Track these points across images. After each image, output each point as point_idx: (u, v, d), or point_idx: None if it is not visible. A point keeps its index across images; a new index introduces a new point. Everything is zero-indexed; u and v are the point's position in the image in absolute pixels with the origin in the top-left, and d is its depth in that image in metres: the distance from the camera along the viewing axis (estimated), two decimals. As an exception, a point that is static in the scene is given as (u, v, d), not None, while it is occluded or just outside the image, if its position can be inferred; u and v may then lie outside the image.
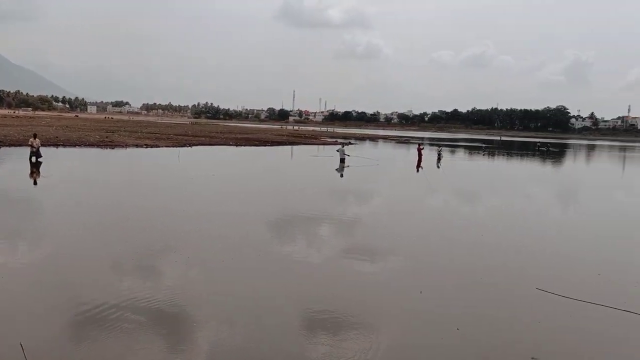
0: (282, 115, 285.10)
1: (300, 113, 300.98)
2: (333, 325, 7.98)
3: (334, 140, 72.65)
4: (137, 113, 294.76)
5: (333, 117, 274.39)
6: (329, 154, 43.05)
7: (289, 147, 57.99)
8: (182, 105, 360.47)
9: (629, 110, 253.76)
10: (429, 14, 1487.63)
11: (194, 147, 45.84)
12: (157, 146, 43.38)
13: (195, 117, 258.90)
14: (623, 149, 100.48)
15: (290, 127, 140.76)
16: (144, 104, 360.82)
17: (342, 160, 36.22)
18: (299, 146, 59.86)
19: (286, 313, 8.49)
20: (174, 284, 9.46)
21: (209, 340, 7.42)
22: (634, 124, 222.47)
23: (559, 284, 10.07)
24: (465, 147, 78.08)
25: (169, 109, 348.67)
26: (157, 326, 7.68)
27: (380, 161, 40.11)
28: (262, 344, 7.35)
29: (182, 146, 45.16)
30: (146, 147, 42.11)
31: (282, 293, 9.41)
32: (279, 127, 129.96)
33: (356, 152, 45.00)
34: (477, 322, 8.45)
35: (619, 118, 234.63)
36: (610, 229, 17.51)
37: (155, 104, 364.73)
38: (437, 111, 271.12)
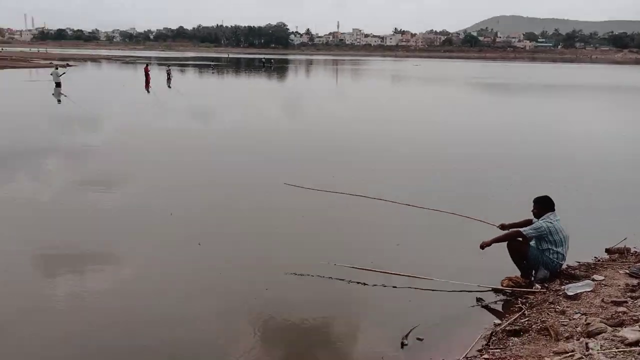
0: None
1: (0, 31, 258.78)
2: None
3: (49, 62, 64.82)
4: None
5: (45, 37, 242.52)
6: (49, 78, 38.52)
7: (-8, 71, 49.87)
8: None
9: (338, 26, 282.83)
10: None
11: None
12: None
13: None
14: (335, 62, 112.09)
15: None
16: None
17: (58, 85, 32.76)
18: (6, 70, 51.92)
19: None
20: None
21: None
22: (342, 39, 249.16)
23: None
24: (194, 65, 77.45)
25: None
26: None
27: (106, 83, 37.42)
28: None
29: None
30: None
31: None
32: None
33: (74, 75, 41.01)
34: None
35: (330, 34, 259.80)
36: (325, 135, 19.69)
37: None
38: (162, 29, 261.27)
